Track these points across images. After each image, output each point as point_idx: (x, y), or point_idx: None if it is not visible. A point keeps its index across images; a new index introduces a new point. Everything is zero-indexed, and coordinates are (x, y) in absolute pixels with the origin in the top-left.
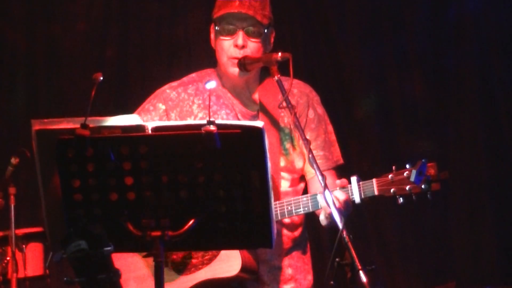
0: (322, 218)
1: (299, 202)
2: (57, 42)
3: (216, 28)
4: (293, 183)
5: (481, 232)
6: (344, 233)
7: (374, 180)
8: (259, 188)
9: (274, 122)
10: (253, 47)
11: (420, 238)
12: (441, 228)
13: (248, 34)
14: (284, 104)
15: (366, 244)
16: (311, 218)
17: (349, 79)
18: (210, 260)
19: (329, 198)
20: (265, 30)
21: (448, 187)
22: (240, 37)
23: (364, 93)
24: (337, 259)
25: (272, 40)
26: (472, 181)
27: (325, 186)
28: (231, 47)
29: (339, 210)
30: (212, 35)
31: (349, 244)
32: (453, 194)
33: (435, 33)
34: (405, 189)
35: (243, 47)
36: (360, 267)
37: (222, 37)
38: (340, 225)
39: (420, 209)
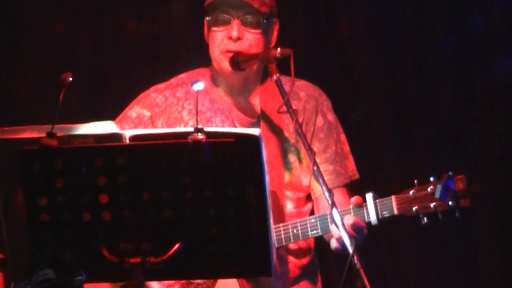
0: (333, 244)
1: (307, 224)
2: (21, 38)
3: (208, 18)
4: (298, 204)
5: None
6: (355, 258)
7: (393, 197)
8: (255, 206)
9: (276, 131)
10: (251, 39)
11: (442, 263)
12: (467, 253)
13: (245, 24)
14: (284, 108)
15: (380, 271)
16: (319, 241)
17: (359, 80)
18: None
19: (337, 217)
20: (265, 20)
21: (475, 205)
22: (235, 28)
23: (377, 96)
24: None
25: (275, 33)
26: (504, 200)
27: (333, 204)
28: (225, 39)
29: (348, 232)
30: (206, 28)
31: (361, 271)
32: (481, 214)
33: (459, 28)
34: (430, 206)
35: (238, 39)
36: None
37: (214, 28)
38: (350, 249)
39: (443, 230)
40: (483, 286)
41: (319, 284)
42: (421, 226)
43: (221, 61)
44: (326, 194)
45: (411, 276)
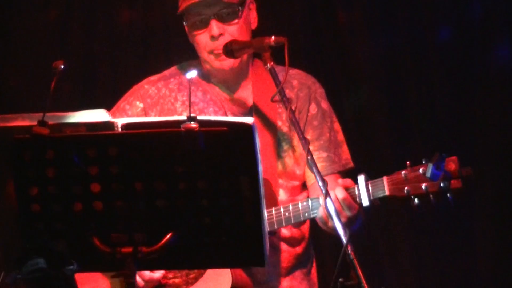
0: (322, 221)
1: (298, 207)
2: (12, 27)
3: (185, 23)
4: (292, 192)
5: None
6: (349, 248)
7: (384, 178)
8: (249, 197)
9: (270, 119)
10: (232, 31)
11: (439, 254)
12: (464, 242)
13: (222, 20)
14: (278, 97)
15: (375, 261)
16: (315, 231)
17: (356, 69)
18: (196, 279)
19: (331, 207)
20: (240, 7)
21: (474, 194)
22: (214, 27)
23: (374, 85)
24: (340, 279)
25: (254, 12)
26: (503, 185)
27: (326, 194)
28: (208, 40)
29: (342, 221)
30: (187, 29)
31: (355, 261)
32: (480, 202)
33: (458, 17)
34: (421, 187)
35: (220, 35)
36: None
37: (195, 32)
38: (344, 240)
39: (439, 219)
40: (479, 276)
41: (314, 274)
42: (417, 216)
43: (213, 61)
44: (320, 183)
45: (406, 266)
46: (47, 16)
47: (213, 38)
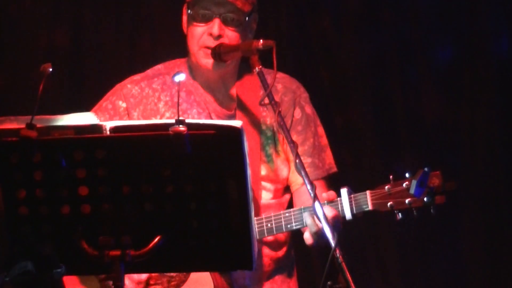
0: (307, 237)
1: (281, 218)
2: None
3: (189, 11)
4: (276, 194)
5: (500, 254)
6: (337, 252)
7: (367, 192)
8: (237, 200)
9: (254, 123)
10: (231, 37)
11: (426, 257)
12: (452, 246)
13: (226, 23)
14: (266, 100)
15: (363, 265)
16: (298, 234)
17: (343, 74)
18: (177, 287)
19: (320, 211)
20: (246, 18)
21: (460, 199)
22: (216, 25)
23: (361, 90)
24: (329, 283)
25: (255, 26)
26: (489, 194)
27: (315, 197)
28: (205, 35)
29: (330, 225)
30: (185, 18)
31: (343, 265)
32: (466, 208)
33: (445, 23)
34: (404, 202)
35: (219, 36)
36: None
37: (195, 23)
38: (332, 243)
39: (426, 222)
40: (467, 280)
41: (295, 278)
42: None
43: (200, 57)
44: (309, 187)
45: (394, 270)
46: (33, 17)
47: (211, 36)
